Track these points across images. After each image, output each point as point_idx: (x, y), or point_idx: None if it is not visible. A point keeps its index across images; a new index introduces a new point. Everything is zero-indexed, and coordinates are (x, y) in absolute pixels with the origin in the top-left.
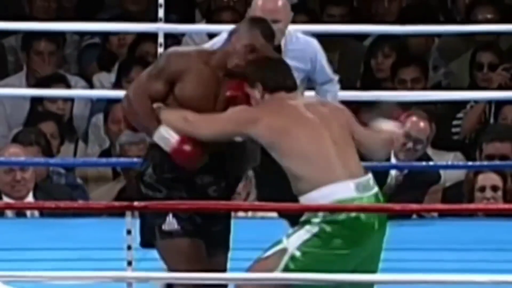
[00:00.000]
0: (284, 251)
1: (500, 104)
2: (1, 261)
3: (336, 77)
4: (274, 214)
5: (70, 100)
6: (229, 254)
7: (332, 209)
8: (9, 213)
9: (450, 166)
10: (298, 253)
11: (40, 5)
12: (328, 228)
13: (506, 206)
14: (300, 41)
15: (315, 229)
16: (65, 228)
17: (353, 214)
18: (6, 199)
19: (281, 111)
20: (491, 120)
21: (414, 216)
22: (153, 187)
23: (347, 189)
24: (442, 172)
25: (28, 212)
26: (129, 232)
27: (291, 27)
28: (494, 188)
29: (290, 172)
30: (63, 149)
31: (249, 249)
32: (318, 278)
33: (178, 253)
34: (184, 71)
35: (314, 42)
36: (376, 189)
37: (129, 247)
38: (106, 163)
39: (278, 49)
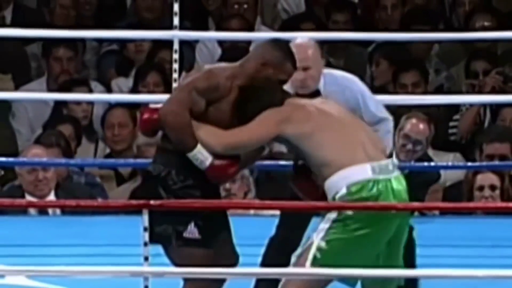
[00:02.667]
0: (311, 244)
1: (498, 106)
2: (24, 257)
3: (389, 117)
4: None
5: (91, 103)
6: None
7: (331, 208)
8: (32, 211)
9: (450, 166)
10: (323, 243)
11: (60, 14)
12: (348, 212)
13: (504, 204)
14: (338, 82)
15: (333, 215)
16: (85, 226)
17: (368, 194)
18: (29, 198)
19: (305, 108)
20: (486, 122)
21: (416, 214)
22: (177, 194)
23: (364, 171)
24: (442, 172)
25: (50, 210)
26: (145, 229)
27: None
28: (492, 188)
29: (317, 160)
30: (83, 150)
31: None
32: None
33: (192, 261)
34: (225, 96)
35: (353, 79)
36: (396, 172)
37: (145, 244)
38: (124, 163)
39: (317, 93)
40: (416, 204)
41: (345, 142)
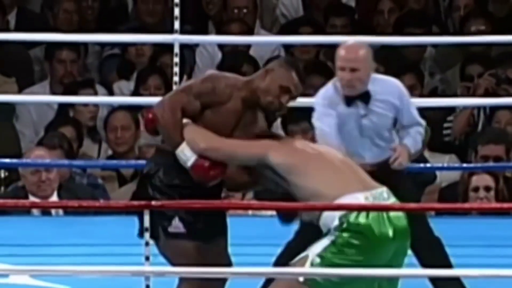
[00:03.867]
0: (306, 257)
1: (493, 108)
2: (28, 256)
3: (423, 122)
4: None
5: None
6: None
7: (329, 208)
8: (35, 211)
9: (445, 168)
10: (317, 259)
11: (63, 18)
12: (344, 235)
13: (498, 205)
14: (384, 84)
15: (332, 237)
16: (87, 225)
17: (363, 222)
18: (32, 198)
19: (295, 141)
20: (480, 123)
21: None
22: (160, 191)
23: (355, 201)
24: (438, 173)
25: (53, 211)
26: (146, 229)
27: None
28: (487, 189)
29: (307, 192)
30: (86, 151)
31: (252, 245)
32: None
33: (182, 255)
34: (222, 102)
35: (397, 83)
36: (391, 199)
37: (146, 243)
38: (126, 165)
39: (366, 94)
40: (412, 204)
41: (336, 173)
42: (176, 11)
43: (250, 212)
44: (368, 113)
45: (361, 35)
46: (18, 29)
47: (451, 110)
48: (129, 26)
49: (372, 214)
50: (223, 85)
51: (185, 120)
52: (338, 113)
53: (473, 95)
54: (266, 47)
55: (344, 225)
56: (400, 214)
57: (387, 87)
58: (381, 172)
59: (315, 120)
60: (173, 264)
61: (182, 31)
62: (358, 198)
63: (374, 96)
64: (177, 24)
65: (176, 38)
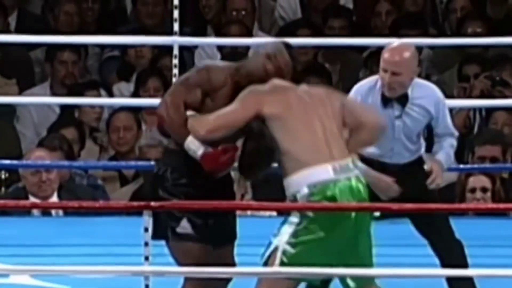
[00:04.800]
0: (276, 249)
1: (489, 109)
2: (28, 256)
3: (456, 133)
4: (273, 213)
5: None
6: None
7: (327, 209)
8: (35, 212)
9: None
10: (288, 247)
11: (64, 20)
12: (307, 214)
13: (494, 205)
14: (423, 89)
15: (296, 219)
16: (87, 226)
17: (329, 195)
18: (32, 199)
19: (283, 91)
20: (476, 125)
21: None
22: (169, 191)
23: (325, 172)
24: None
25: (53, 211)
26: (146, 229)
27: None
28: (484, 190)
29: (283, 150)
30: (88, 151)
31: (250, 246)
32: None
33: (188, 256)
34: (221, 86)
35: (436, 90)
36: (356, 171)
37: (146, 244)
38: (126, 166)
39: (405, 97)
40: (409, 205)
41: (310, 137)
42: (175, 13)
43: (249, 212)
44: (403, 115)
45: (359, 37)
46: (18, 31)
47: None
48: (129, 28)
49: (339, 187)
50: (218, 72)
51: (189, 113)
52: None
53: (469, 96)
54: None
55: (310, 198)
56: (361, 186)
57: (425, 92)
58: (406, 174)
59: None
60: (180, 265)
61: (182, 33)
62: (328, 169)
63: (411, 100)
64: (176, 26)
65: (175, 40)
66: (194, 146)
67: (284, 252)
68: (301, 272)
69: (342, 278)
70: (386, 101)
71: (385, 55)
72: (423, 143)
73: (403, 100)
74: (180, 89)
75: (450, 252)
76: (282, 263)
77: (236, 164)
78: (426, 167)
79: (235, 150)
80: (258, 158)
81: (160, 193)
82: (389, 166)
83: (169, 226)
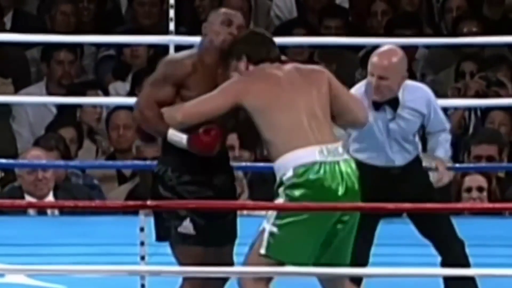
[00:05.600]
0: (263, 231)
1: (486, 109)
2: (24, 256)
3: (448, 125)
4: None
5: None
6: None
7: (324, 209)
8: (31, 211)
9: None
10: (274, 228)
11: (60, 19)
12: (293, 193)
13: (490, 205)
14: (413, 92)
15: (281, 200)
16: (83, 225)
17: (314, 177)
18: (28, 198)
19: (266, 81)
20: (471, 125)
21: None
22: (172, 190)
23: (311, 154)
24: (430, 173)
25: (49, 211)
26: (142, 229)
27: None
28: (480, 189)
29: (267, 139)
30: (84, 151)
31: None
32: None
33: (188, 256)
34: (189, 74)
35: (427, 91)
36: (345, 156)
37: (142, 243)
38: (123, 165)
39: (395, 100)
40: (406, 204)
41: (294, 124)
42: (171, 13)
43: (245, 212)
44: (396, 117)
45: (355, 37)
46: (14, 30)
47: (444, 112)
48: (125, 27)
49: (325, 169)
50: (180, 61)
51: (163, 109)
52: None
53: (464, 96)
54: None
55: (295, 180)
56: (350, 171)
57: (416, 94)
58: (406, 175)
59: None
60: (181, 264)
61: (177, 33)
62: (313, 151)
63: (403, 103)
64: (172, 26)
65: (171, 40)
66: (176, 136)
67: (271, 234)
68: (297, 272)
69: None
70: (377, 105)
71: (373, 59)
72: (419, 142)
73: (394, 103)
74: (149, 90)
75: (451, 252)
76: (269, 245)
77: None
78: (424, 163)
79: (217, 129)
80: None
81: (162, 193)
82: (388, 169)
83: (172, 225)
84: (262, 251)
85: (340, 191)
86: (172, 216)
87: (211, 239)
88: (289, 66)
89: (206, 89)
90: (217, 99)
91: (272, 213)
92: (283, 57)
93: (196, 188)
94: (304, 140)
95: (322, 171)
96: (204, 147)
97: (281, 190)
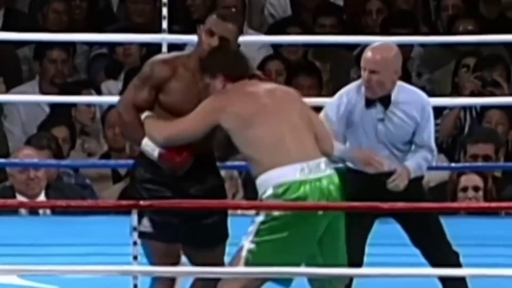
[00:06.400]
0: (242, 248)
1: (482, 108)
2: (16, 256)
3: (434, 149)
4: None
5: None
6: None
7: (322, 209)
8: (23, 211)
9: (434, 167)
10: (252, 245)
11: (52, 18)
12: (272, 213)
13: (486, 204)
14: (409, 95)
15: (261, 218)
16: (75, 225)
17: (293, 196)
18: (20, 197)
19: (244, 99)
20: (467, 125)
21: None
22: (136, 189)
23: (291, 172)
24: (426, 173)
25: (41, 210)
26: (134, 229)
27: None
28: (476, 189)
29: (248, 156)
30: (76, 151)
31: None
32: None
33: (153, 253)
34: (168, 78)
35: (423, 98)
36: (328, 171)
37: (134, 243)
38: (115, 164)
39: (387, 99)
40: (400, 204)
41: (275, 141)
42: (164, 11)
43: (239, 211)
44: (385, 119)
45: (350, 35)
46: (5, 28)
47: (438, 113)
48: (117, 26)
49: (305, 188)
50: (161, 65)
51: (147, 113)
52: (357, 113)
53: (460, 94)
54: (254, 47)
55: (274, 199)
56: (333, 187)
57: (411, 98)
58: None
59: (327, 105)
60: (150, 263)
61: (171, 31)
62: (293, 170)
63: (395, 104)
64: (165, 24)
65: (164, 38)
66: (149, 147)
67: (249, 251)
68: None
69: (312, 280)
70: (368, 103)
71: (366, 53)
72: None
73: (386, 101)
74: (128, 93)
75: (446, 264)
76: (248, 262)
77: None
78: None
79: (190, 150)
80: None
81: (136, 194)
82: (379, 176)
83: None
84: (239, 268)
85: (320, 210)
86: (138, 215)
87: (172, 232)
88: (268, 84)
89: (185, 96)
90: (196, 122)
91: (251, 230)
92: (259, 74)
93: (155, 187)
94: (286, 157)
95: (302, 189)
96: (173, 166)
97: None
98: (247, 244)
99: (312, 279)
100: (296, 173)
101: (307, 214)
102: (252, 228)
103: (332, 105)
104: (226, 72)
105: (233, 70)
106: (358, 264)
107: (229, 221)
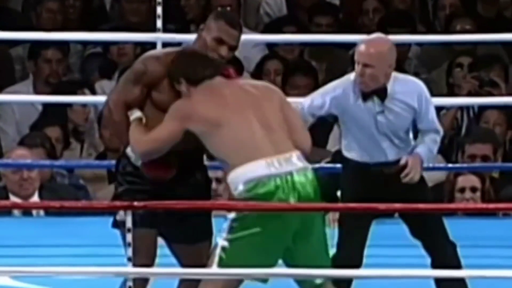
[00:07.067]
0: (216, 246)
1: (480, 109)
2: (9, 257)
3: (440, 130)
4: None
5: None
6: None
7: (320, 209)
8: (16, 212)
9: (431, 168)
10: (226, 243)
11: (46, 17)
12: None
13: (484, 205)
14: (404, 84)
15: (232, 215)
16: (69, 226)
17: (263, 191)
18: (13, 198)
19: (207, 102)
20: (464, 126)
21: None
22: (118, 181)
23: (259, 168)
24: (424, 173)
25: (34, 211)
26: (129, 230)
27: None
28: (473, 189)
29: (218, 156)
30: (70, 151)
31: None
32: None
33: (136, 240)
34: (161, 75)
35: (419, 84)
36: (301, 165)
37: (129, 244)
38: (108, 165)
39: (383, 91)
40: (397, 205)
41: (245, 138)
42: (159, 10)
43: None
44: (384, 110)
45: (346, 34)
46: None
47: (437, 112)
48: (112, 25)
49: (275, 182)
50: (154, 62)
51: (135, 114)
52: (352, 107)
53: (457, 95)
54: (249, 46)
55: (245, 195)
56: (306, 180)
57: (407, 87)
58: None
59: (311, 95)
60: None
61: (165, 30)
62: (262, 165)
63: (392, 95)
64: (159, 23)
65: (159, 37)
66: (133, 154)
67: (223, 248)
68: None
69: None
70: (365, 96)
71: (360, 47)
72: (412, 141)
73: (382, 94)
74: (118, 90)
75: (443, 254)
76: (221, 260)
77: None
78: (402, 161)
79: (174, 165)
80: None
81: (116, 184)
82: (381, 168)
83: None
84: (215, 266)
85: (293, 202)
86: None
87: (152, 220)
88: (236, 82)
89: (178, 93)
90: (169, 127)
91: (224, 228)
92: (232, 71)
93: (136, 179)
94: (255, 153)
95: (272, 184)
96: (155, 177)
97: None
98: (221, 242)
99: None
100: (266, 167)
101: (279, 213)
102: (225, 226)
103: (324, 94)
104: (187, 76)
105: (193, 74)
106: (357, 265)
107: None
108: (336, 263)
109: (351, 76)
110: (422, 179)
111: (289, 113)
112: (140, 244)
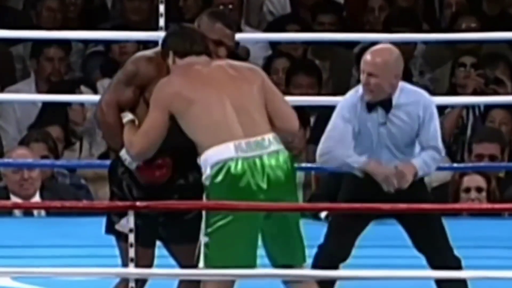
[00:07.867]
0: (199, 244)
1: (486, 108)
2: (10, 258)
3: (441, 149)
4: None
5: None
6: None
7: (319, 209)
8: (17, 212)
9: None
10: (206, 238)
11: (46, 16)
12: (212, 191)
13: (489, 206)
14: (411, 96)
15: (204, 199)
16: (70, 226)
17: (229, 173)
18: (14, 198)
19: (187, 79)
20: (469, 125)
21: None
22: (112, 180)
23: (225, 151)
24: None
25: (35, 211)
26: (130, 230)
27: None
28: (479, 190)
29: (192, 139)
30: (70, 151)
31: None
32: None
33: (125, 255)
34: (153, 75)
35: (425, 94)
36: (273, 148)
37: (131, 245)
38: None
39: (388, 102)
40: (401, 205)
41: (217, 120)
42: (161, 8)
43: None
44: (387, 122)
45: (350, 33)
46: None
47: (439, 112)
48: (113, 23)
49: (242, 165)
50: (146, 63)
51: (128, 117)
52: (358, 118)
53: (462, 93)
54: (251, 45)
55: (211, 179)
56: (277, 163)
57: (414, 98)
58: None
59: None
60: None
61: (167, 29)
62: (228, 148)
63: (397, 107)
64: (162, 21)
65: (161, 36)
66: (127, 156)
67: (205, 245)
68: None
69: (272, 256)
70: (370, 107)
71: (366, 56)
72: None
73: (387, 105)
74: (111, 92)
75: (447, 268)
76: (206, 257)
77: None
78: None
79: (170, 163)
80: None
81: (111, 187)
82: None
83: (112, 221)
84: (201, 265)
85: (264, 185)
86: (115, 211)
87: (146, 240)
88: (218, 62)
89: None
90: (153, 118)
91: (203, 224)
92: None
93: (130, 176)
94: (225, 135)
95: (239, 167)
96: (151, 181)
97: (204, 189)
98: (202, 238)
99: (272, 257)
100: (231, 150)
101: (245, 191)
102: (203, 221)
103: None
104: (174, 48)
105: (178, 46)
106: (343, 258)
107: None
108: (322, 252)
109: (359, 87)
110: (422, 185)
111: (272, 97)
112: (138, 261)
